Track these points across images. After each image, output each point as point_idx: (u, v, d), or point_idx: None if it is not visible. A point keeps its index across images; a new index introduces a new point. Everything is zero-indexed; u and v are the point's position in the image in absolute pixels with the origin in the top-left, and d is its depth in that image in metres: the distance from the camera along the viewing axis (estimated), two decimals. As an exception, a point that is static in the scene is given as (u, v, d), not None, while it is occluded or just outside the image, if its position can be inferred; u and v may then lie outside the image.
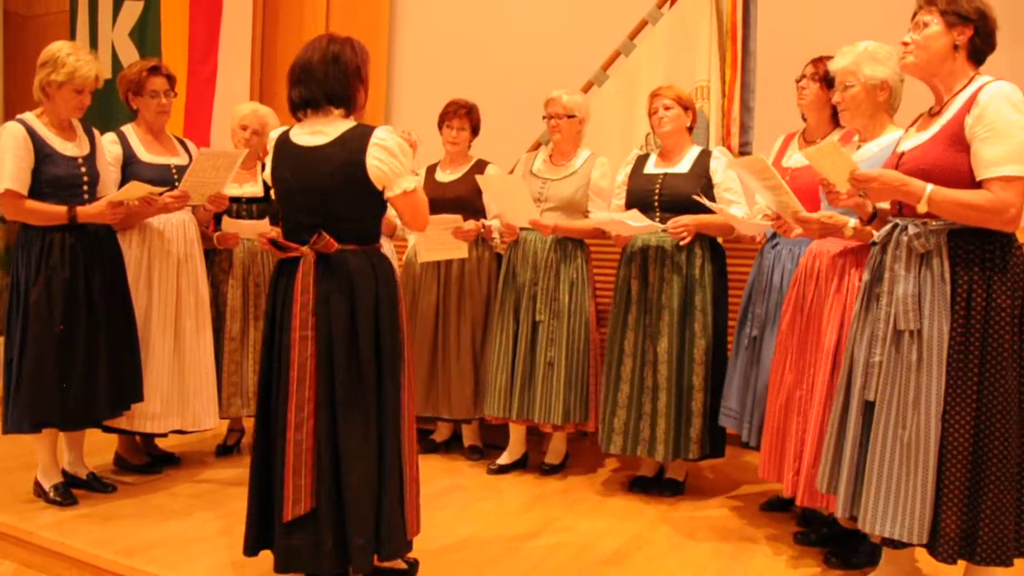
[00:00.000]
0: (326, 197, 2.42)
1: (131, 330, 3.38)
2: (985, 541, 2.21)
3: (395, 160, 2.40)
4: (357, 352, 2.41)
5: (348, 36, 2.50)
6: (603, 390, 3.58)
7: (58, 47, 3.19)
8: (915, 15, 2.37)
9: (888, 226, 2.40)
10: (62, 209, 3.15)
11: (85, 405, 3.21)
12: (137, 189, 3.22)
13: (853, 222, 2.67)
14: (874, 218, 2.54)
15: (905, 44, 2.37)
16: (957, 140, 2.25)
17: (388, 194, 2.44)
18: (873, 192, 2.35)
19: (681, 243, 3.38)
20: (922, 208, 2.24)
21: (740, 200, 3.41)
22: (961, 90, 2.31)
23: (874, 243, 2.44)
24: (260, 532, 2.49)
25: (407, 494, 2.50)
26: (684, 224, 3.36)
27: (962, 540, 2.23)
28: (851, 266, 2.77)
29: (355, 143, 2.40)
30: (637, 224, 3.36)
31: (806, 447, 2.81)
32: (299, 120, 2.50)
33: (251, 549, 2.50)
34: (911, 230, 2.30)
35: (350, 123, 2.46)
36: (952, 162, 2.25)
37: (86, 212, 3.19)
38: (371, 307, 2.43)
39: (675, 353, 3.40)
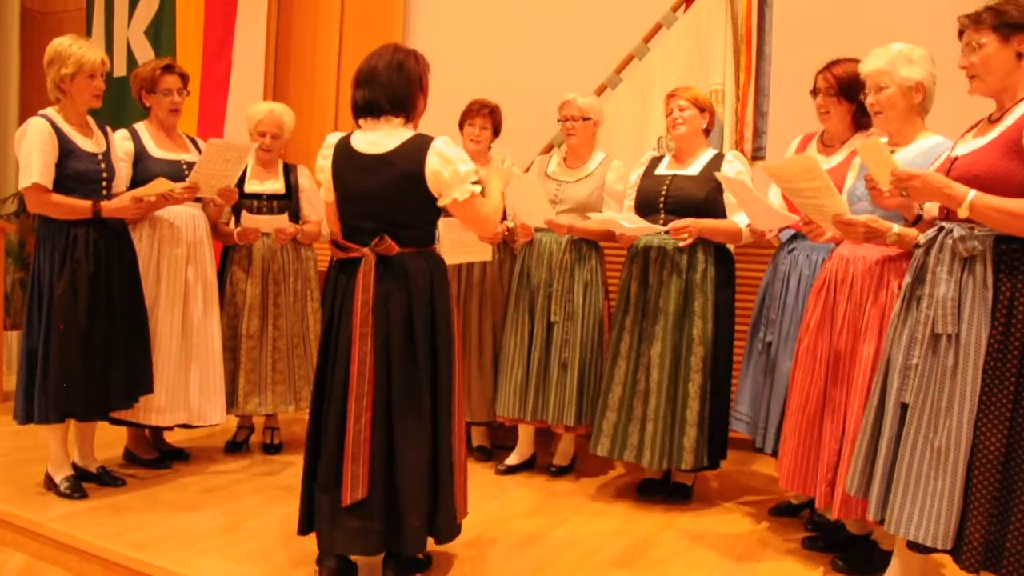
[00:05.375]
0: (387, 204, 2.53)
1: (144, 323, 3.43)
2: (1012, 553, 2.16)
3: (451, 169, 2.50)
4: (413, 348, 2.53)
5: (413, 48, 2.64)
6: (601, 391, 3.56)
7: (57, 43, 3.23)
8: (962, 35, 2.31)
9: (933, 229, 2.36)
10: (87, 203, 3.19)
11: (102, 395, 3.25)
12: (160, 185, 3.27)
13: (896, 228, 2.58)
14: (919, 220, 2.50)
15: (965, 68, 2.31)
16: (1013, 148, 2.19)
17: (441, 201, 2.56)
18: (914, 191, 2.30)
19: (681, 244, 3.33)
20: (963, 213, 2.19)
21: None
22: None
23: (918, 245, 2.40)
24: (311, 514, 2.62)
25: (458, 482, 2.63)
26: (686, 226, 3.31)
27: (987, 550, 2.19)
28: (891, 274, 2.68)
29: (415, 153, 2.51)
30: (632, 226, 3.34)
31: (842, 459, 2.72)
32: (359, 126, 2.61)
33: (304, 528, 2.65)
34: (956, 233, 2.25)
35: (409, 132, 2.56)
36: (1006, 170, 2.19)
37: (110, 207, 3.24)
38: (427, 306, 2.56)
39: (669, 358, 3.34)
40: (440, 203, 2.57)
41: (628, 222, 3.35)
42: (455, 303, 2.66)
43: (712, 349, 3.36)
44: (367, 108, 2.56)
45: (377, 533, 2.51)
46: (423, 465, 2.53)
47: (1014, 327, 2.17)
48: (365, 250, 2.52)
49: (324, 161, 2.65)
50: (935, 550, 2.27)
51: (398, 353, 2.51)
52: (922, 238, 2.39)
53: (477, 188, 2.57)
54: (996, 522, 2.18)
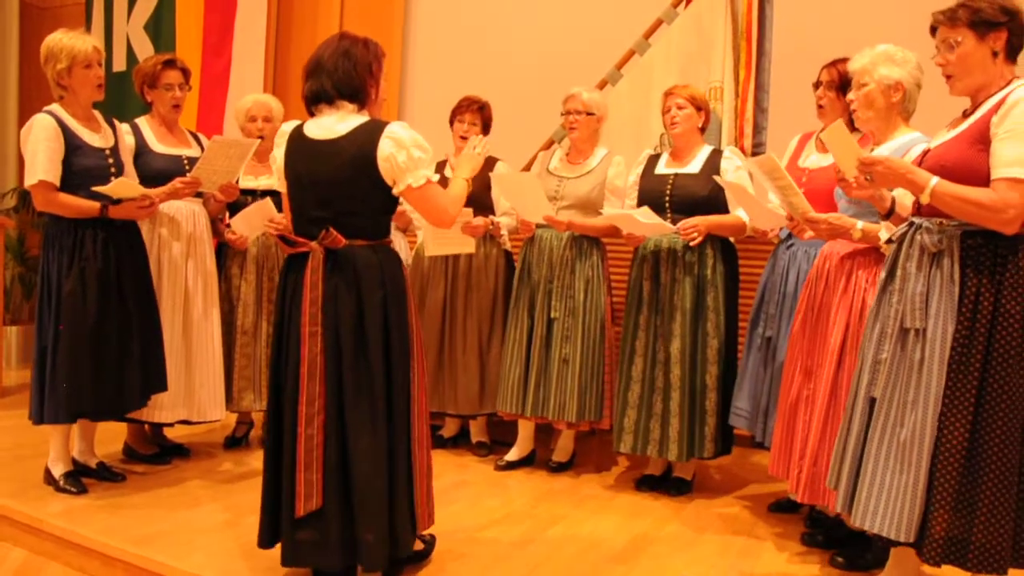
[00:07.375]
0: (336, 190, 2.42)
1: (156, 320, 3.40)
2: (978, 547, 2.17)
3: (405, 154, 2.39)
4: (365, 347, 2.42)
5: (363, 36, 2.53)
6: (616, 390, 3.59)
7: (48, 39, 3.22)
8: (936, 33, 2.32)
9: (905, 224, 2.38)
10: (95, 205, 3.17)
11: (116, 395, 3.23)
12: (127, 189, 3.21)
13: (861, 224, 2.67)
14: (891, 213, 2.52)
15: (942, 66, 2.32)
16: (981, 139, 2.22)
17: (395, 189, 2.45)
18: (878, 176, 2.31)
19: (691, 243, 3.38)
20: (924, 199, 2.22)
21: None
22: (997, 92, 2.26)
23: (890, 240, 2.43)
24: (274, 525, 2.51)
25: (417, 489, 2.52)
26: (695, 225, 3.36)
27: (949, 543, 2.20)
28: (858, 268, 2.77)
29: (367, 136, 2.41)
30: (647, 221, 3.36)
31: (808, 445, 2.82)
32: (313, 116, 2.52)
33: (266, 542, 2.53)
34: (925, 228, 2.28)
35: (363, 117, 2.46)
36: (973, 160, 2.22)
37: (117, 211, 3.22)
38: (378, 303, 2.43)
39: (688, 354, 3.41)
40: (395, 191, 2.44)
41: (644, 217, 3.36)
42: (412, 299, 2.54)
43: (724, 340, 3.44)
44: (315, 98, 2.46)
45: (334, 546, 2.39)
46: (378, 477, 2.40)
47: (979, 322, 2.20)
48: (313, 244, 2.41)
49: (277, 150, 2.56)
50: (899, 544, 2.29)
51: (349, 354, 2.40)
52: (894, 234, 2.41)
53: (435, 176, 2.47)
54: (960, 516, 2.20)
